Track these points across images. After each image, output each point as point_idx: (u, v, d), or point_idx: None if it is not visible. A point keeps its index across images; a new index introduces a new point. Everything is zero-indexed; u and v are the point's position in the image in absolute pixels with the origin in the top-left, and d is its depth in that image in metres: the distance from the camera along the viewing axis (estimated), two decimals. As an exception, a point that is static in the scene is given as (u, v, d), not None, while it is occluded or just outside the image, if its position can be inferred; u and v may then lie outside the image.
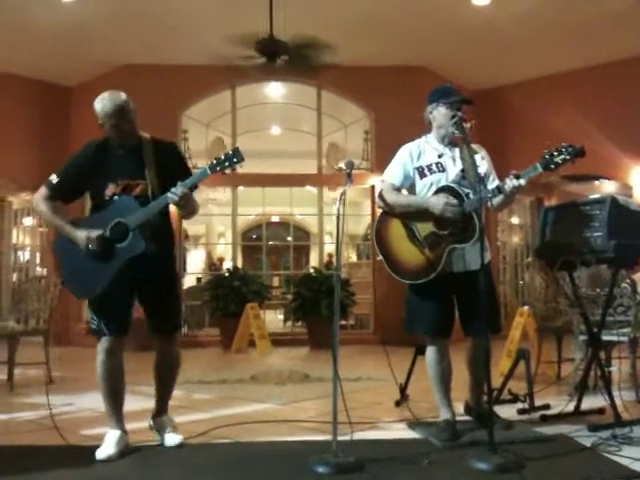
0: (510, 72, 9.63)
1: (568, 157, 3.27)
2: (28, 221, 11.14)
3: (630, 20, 7.78)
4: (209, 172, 3.26)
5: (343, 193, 3.22)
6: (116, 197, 3.31)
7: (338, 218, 3.18)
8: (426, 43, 8.77)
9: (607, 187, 10.17)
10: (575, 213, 3.86)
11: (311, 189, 10.86)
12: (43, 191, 3.41)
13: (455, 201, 3.46)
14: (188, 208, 3.35)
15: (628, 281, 4.90)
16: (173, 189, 3.19)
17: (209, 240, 13.37)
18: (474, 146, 3.70)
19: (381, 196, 3.77)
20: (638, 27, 7.96)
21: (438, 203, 3.48)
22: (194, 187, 3.30)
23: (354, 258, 14.90)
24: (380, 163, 9.61)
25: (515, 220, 11.53)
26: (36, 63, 9.14)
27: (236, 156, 3.26)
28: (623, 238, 3.65)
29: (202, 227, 15.75)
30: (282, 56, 7.11)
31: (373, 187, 9.80)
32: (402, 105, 9.48)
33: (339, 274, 3.38)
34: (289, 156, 11.38)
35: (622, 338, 4.61)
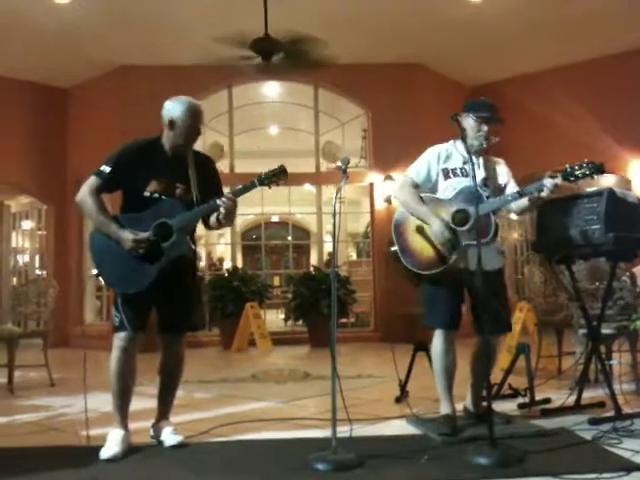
0: (507, 67, 9.64)
1: (588, 172, 3.32)
2: (27, 224, 11.14)
3: (625, 14, 7.79)
4: (257, 185, 3.36)
5: (339, 190, 3.24)
6: (157, 196, 3.34)
7: (334, 215, 3.20)
8: (422, 40, 8.78)
9: (605, 180, 10.14)
10: (573, 206, 3.84)
11: (310, 188, 10.85)
12: (93, 182, 3.35)
13: (447, 234, 3.52)
14: (230, 219, 3.40)
15: (627, 274, 4.89)
16: (224, 197, 3.29)
17: (208, 241, 13.40)
18: (496, 159, 3.92)
19: (398, 188, 3.86)
20: (633, 21, 7.97)
21: (437, 227, 3.55)
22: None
23: (354, 256, 14.89)
24: (378, 161, 9.60)
25: (514, 215, 11.51)
26: (31, 65, 9.13)
27: (283, 172, 3.37)
28: (621, 231, 3.64)
29: (201, 228, 15.67)
30: (277, 54, 7.09)
31: (372, 185, 9.78)
32: (400, 102, 9.50)
33: (336, 271, 3.38)
34: (287, 155, 11.29)
35: (622, 331, 4.61)
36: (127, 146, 3.46)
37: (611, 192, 3.73)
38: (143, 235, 3.25)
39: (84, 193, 3.35)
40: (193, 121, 3.39)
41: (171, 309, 3.46)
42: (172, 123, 3.38)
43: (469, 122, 3.73)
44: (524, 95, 9.60)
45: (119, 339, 3.33)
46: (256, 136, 11.12)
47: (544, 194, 3.41)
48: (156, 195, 3.35)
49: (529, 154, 8.88)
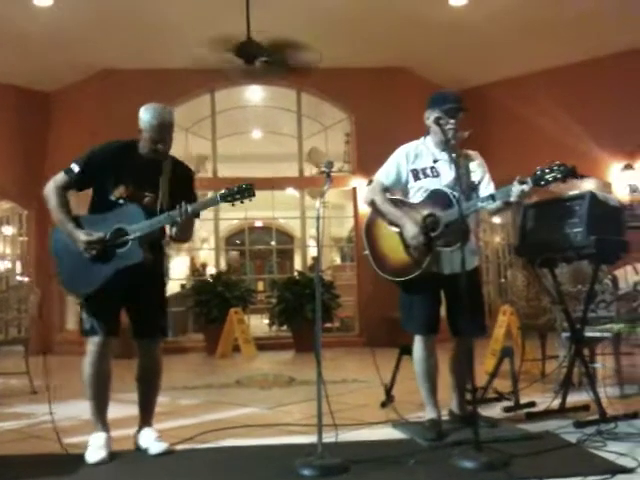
0: (490, 71, 9.69)
1: (559, 176, 3.23)
2: (8, 230, 11.02)
3: (608, 17, 7.86)
4: (219, 201, 3.28)
5: (322, 193, 3.22)
6: (123, 202, 3.29)
7: (318, 219, 3.18)
8: (405, 44, 8.80)
9: (586, 184, 10.24)
10: (555, 209, 3.87)
11: (293, 192, 10.84)
12: (60, 179, 3.34)
13: (421, 239, 3.45)
14: (185, 232, 3.37)
15: (610, 277, 4.93)
16: (179, 209, 3.20)
17: (192, 246, 13.38)
18: (471, 153, 3.79)
19: (368, 194, 3.79)
20: (616, 24, 8.04)
21: (411, 231, 3.49)
22: (198, 213, 3.34)
23: (338, 261, 14.89)
24: (362, 165, 9.61)
25: (497, 220, 11.59)
26: (13, 69, 9.03)
27: (248, 190, 3.28)
28: (603, 234, 3.66)
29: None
30: (260, 58, 7.08)
31: (355, 189, 9.79)
32: (383, 106, 9.52)
33: (320, 276, 3.37)
34: (270, 159, 11.35)
35: (605, 334, 4.64)
36: (100, 147, 3.41)
37: (593, 195, 3.76)
38: (97, 235, 3.22)
39: (49, 188, 3.34)
40: (154, 133, 3.30)
41: (140, 313, 3.44)
42: (140, 131, 3.35)
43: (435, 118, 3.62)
44: (508, 98, 9.66)
45: (92, 344, 3.30)
46: (239, 140, 11.09)
47: (512, 200, 3.35)
48: (121, 201, 3.31)
49: (513, 156, 8.89)
